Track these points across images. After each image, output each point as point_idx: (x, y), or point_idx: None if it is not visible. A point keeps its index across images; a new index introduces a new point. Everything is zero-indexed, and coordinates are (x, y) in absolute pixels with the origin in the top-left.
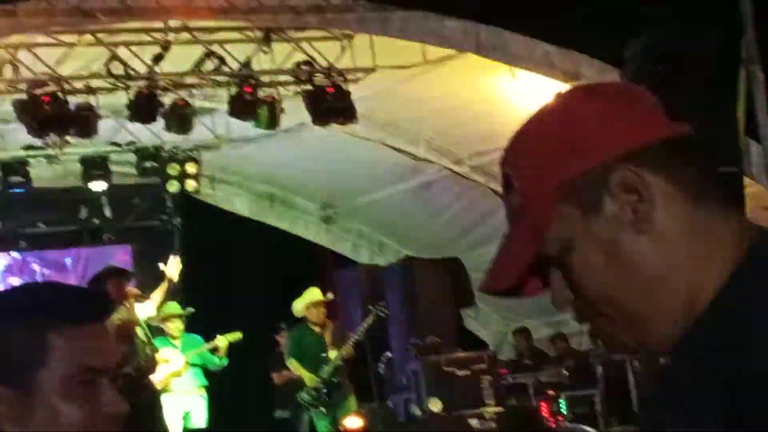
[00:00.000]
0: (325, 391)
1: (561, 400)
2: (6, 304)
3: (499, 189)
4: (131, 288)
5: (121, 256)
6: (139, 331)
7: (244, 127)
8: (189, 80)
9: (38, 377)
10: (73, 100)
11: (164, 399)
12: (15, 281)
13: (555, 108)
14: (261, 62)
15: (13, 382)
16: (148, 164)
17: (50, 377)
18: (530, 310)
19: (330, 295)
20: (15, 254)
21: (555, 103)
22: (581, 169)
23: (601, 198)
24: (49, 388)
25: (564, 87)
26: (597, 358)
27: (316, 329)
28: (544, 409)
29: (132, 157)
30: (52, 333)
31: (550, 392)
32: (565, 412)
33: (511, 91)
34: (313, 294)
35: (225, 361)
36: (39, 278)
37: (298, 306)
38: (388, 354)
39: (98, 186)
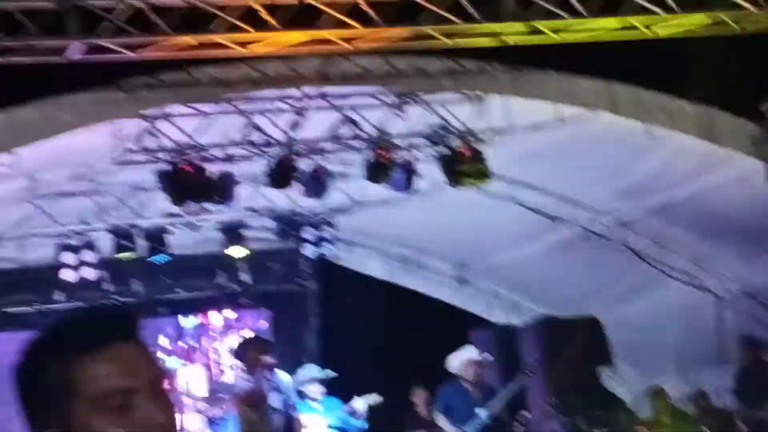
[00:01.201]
0: None
1: None
2: (30, 348)
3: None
4: (267, 357)
5: (258, 321)
6: (275, 399)
7: (379, 190)
8: (325, 145)
9: (73, 412)
10: (212, 168)
11: None
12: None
13: None
14: (395, 126)
15: (52, 426)
16: (284, 229)
17: (83, 408)
18: (669, 368)
19: (487, 356)
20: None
21: None
22: None
23: None
24: (85, 419)
25: (696, 142)
26: (741, 416)
27: (469, 387)
28: None
29: (269, 223)
30: (75, 365)
31: None
32: None
33: (646, 146)
34: (471, 352)
35: (365, 424)
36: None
37: (455, 362)
38: (526, 413)
39: (236, 252)
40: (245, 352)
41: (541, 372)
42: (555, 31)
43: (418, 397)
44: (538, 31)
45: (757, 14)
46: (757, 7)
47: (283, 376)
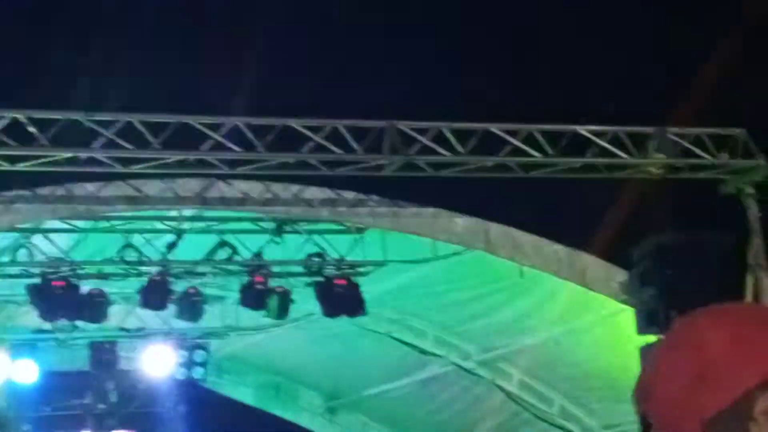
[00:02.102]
0: None
1: None
2: None
3: (506, 385)
4: None
5: None
6: None
7: (253, 316)
8: (201, 269)
9: None
10: (85, 286)
11: None
12: None
13: (681, 341)
14: (273, 253)
15: None
16: (154, 353)
17: None
18: None
19: None
20: None
21: (680, 335)
22: (723, 405)
23: (747, 428)
24: None
25: (572, 287)
26: None
27: None
28: None
29: (140, 343)
30: None
31: None
32: None
33: (520, 288)
34: None
35: None
36: None
37: None
38: None
39: (106, 371)
40: None
41: None
42: (434, 166)
43: None
44: (416, 167)
45: (627, 161)
46: (631, 155)
47: None
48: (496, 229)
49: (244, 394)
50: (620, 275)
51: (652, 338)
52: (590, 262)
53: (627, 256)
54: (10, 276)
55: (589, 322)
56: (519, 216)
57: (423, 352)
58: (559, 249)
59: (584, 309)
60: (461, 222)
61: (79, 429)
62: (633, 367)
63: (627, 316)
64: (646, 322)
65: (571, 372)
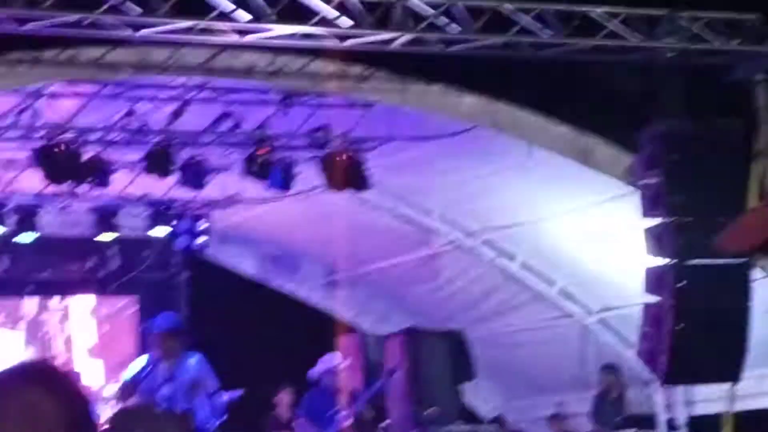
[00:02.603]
0: None
1: None
2: None
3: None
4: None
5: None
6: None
7: (256, 188)
8: (205, 138)
9: None
10: (89, 152)
11: None
12: None
13: None
14: (278, 126)
15: None
16: (158, 218)
17: None
18: (529, 388)
19: (346, 362)
20: None
21: None
22: None
23: None
24: None
25: (578, 169)
26: None
27: (332, 393)
28: None
29: (143, 211)
30: None
31: None
32: None
33: (526, 167)
34: (330, 360)
35: (223, 417)
36: None
37: (319, 368)
38: (387, 423)
39: (107, 237)
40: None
41: (404, 381)
42: (443, 43)
43: (281, 400)
44: (424, 43)
45: (638, 44)
46: (642, 38)
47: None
48: (503, 109)
49: (245, 265)
50: (627, 159)
51: (655, 222)
52: (597, 144)
53: (634, 140)
54: (13, 139)
55: (594, 203)
56: (527, 97)
57: (426, 229)
58: (566, 131)
59: (589, 192)
60: (468, 100)
61: (79, 293)
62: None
63: (632, 200)
64: (651, 207)
65: (573, 254)
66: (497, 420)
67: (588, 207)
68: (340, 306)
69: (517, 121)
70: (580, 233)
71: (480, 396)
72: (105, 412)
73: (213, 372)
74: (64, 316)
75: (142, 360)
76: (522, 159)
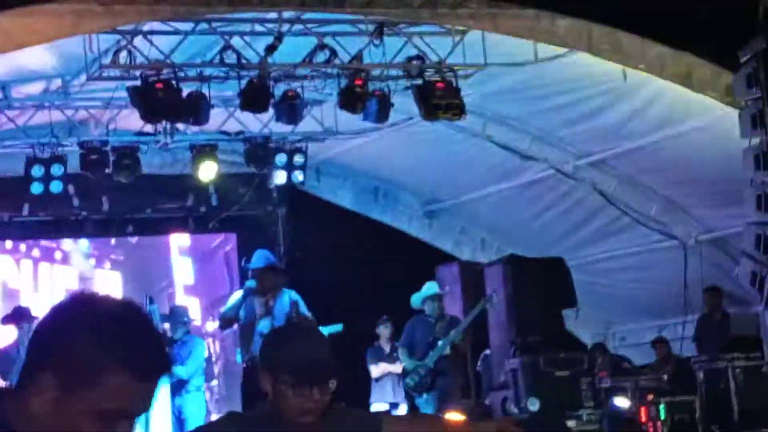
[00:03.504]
0: (430, 378)
1: (660, 406)
2: (88, 328)
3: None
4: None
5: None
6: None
7: (352, 121)
8: (300, 72)
9: (82, 392)
10: (186, 88)
11: None
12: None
13: None
14: (372, 56)
15: (64, 382)
16: (255, 154)
17: (87, 399)
18: (631, 313)
19: (447, 289)
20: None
21: None
22: None
23: None
24: (83, 407)
25: (676, 89)
26: (698, 364)
27: (431, 321)
28: (643, 414)
29: (240, 147)
30: (109, 370)
31: (650, 397)
32: (663, 418)
33: (622, 91)
34: (431, 287)
35: None
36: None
37: (416, 298)
38: (488, 352)
39: (206, 174)
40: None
41: (504, 309)
42: None
43: (382, 331)
44: None
45: None
46: None
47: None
48: (598, 31)
49: (342, 197)
50: (726, 77)
51: (755, 140)
52: (695, 63)
53: (734, 58)
54: (112, 79)
55: (692, 126)
56: (623, 17)
57: (523, 156)
58: (663, 50)
59: (688, 113)
60: (563, 23)
61: (181, 230)
62: (736, 172)
63: (731, 119)
64: (751, 125)
65: (671, 177)
66: (598, 347)
67: (690, 131)
68: (438, 235)
69: (612, 43)
70: (681, 155)
71: (581, 322)
72: (209, 347)
73: (307, 308)
74: (164, 254)
75: (239, 294)
76: (618, 82)
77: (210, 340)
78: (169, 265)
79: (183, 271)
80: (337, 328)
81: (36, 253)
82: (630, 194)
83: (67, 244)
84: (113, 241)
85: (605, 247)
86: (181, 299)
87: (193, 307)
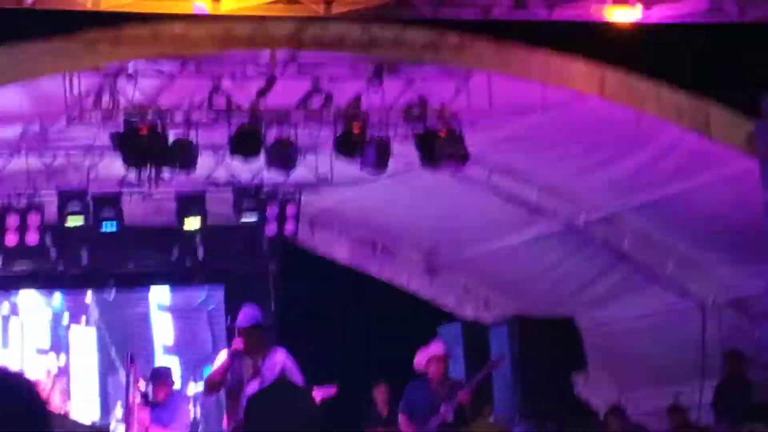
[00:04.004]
0: None
1: None
2: None
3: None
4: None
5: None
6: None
7: (349, 169)
8: (294, 116)
9: None
10: (172, 134)
11: None
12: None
13: None
14: (371, 99)
15: None
16: (245, 204)
17: None
18: (645, 377)
19: (453, 352)
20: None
21: None
22: None
23: None
24: None
25: (694, 139)
26: None
27: (433, 385)
28: None
29: (229, 197)
30: None
31: None
32: None
33: (637, 140)
34: (438, 347)
35: None
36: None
37: (420, 359)
38: (491, 419)
39: (192, 225)
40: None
41: (510, 371)
42: (547, 6)
43: (380, 394)
44: (525, 6)
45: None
46: None
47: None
48: (612, 76)
49: (338, 251)
50: (747, 125)
51: None
52: (714, 110)
53: (755, 104)
54: (94, 123)
55: (711, 178)
56: (637, 60)
57: (530, 208)
58: (680, 96)
59: (706, 164)
60: (575, 66)
61: (165, 283)
62: (757, 227)
63: (753, 170)
64: None
65: (688, 232)
66: (615, 411)
67: (709, 183)
68: (440, 293)
69: (627, 87)
70: (698, 208)
71: (592, 387)
72: (191, 410)
73: (298, 368)
74: (142, 310)
75: (223, 355)
76: (632, 129)
77: (190, 404)
78: (148, 321)
79: (163, 328)
80: (331, 391)
81: (5, 309)
82: (644, 250)
83: (35, 298)
84: (89, 296)
85: (618, 306)
86: (161, 359)
87: (173, 368)
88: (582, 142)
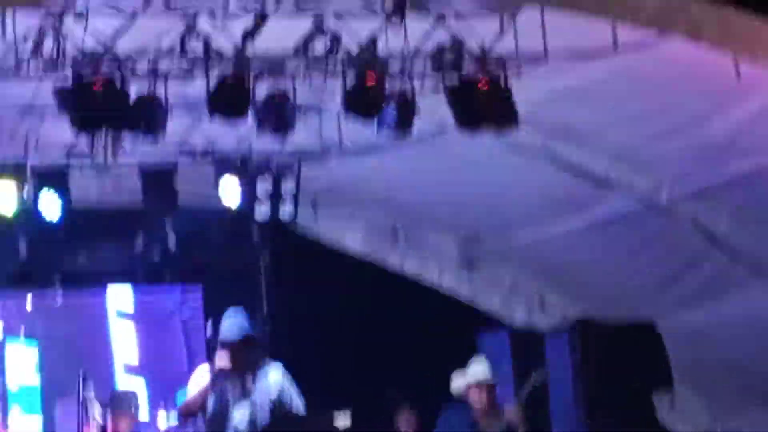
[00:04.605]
0: None
1: None
2: None
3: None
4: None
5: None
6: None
7: (362, 133)
8: (291, 65)
9: None
10: (134, 89)
11: None
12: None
13: None
14: (390, 43)
15: None
16: (229, 180)
17: None
18: (747, 398)
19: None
20: None
21: None
22: None
23: None
24: None
25: None
26: None
27: (477, 415)
28: None
29: (209, 170)
30: None
31: None
32: None
33: (733, 94)
34: (480, 370)
35: None
36: None
37: (459, 383)
38: None
39: (162, 208)
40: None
41: (571, 391)
42: None
43: (406, 422)
44: None
45: None
46: None
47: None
48: (700, 8)
49: (350, 240)
50: None
51: None
52: None
53: None
54: (34, 77)
55: None
56: None
57: (597, 182)
58: None
59: None
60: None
61: (126, 281)
62: None
63: None
64: None
65: None
66: None
67: None
68: (481, 291)
69: (720, 23)
70: None
71: (679, 411)
72: None
73: (299, 389)
74: (98, 318)
75: (203, 372)
76: (728, 80)
77: None
78: (105, 333)
79: (124, 342)
80: (344, 418)
81: None
82: (745, 235)
83: None
84: (29, 303)
85: (713, 307)
86: (122, 380)
87: (138, 392)
88: (663, 97)
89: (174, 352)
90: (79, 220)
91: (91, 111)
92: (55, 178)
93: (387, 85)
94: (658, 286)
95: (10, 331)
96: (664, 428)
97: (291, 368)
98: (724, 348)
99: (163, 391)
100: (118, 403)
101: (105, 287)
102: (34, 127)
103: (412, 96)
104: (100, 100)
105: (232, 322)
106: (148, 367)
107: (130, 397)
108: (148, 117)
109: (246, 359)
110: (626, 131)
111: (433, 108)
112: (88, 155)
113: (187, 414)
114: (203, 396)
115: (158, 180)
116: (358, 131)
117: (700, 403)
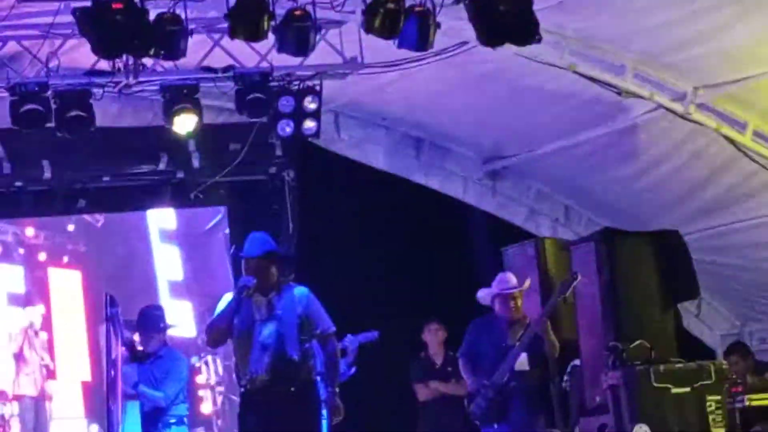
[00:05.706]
0: (501, 401)
1: None
2: None
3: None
4: None
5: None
6: None
7: (384, 49)
8: None
9: None
10: (154, 9)
11: None
12: None
13: None
14: None
15: None
16: (251, 97)
17: None
18: None
19: (528, 283)
20: None
21: None
22: None
23: None
24: None
25: None
26: None
27: (503, 324)
28: None
29: (230, 88)
30: None
31: None
32: None
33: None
34: (507, 280)
35: (352, 369)
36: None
37: (486, 292)
38: (576, 363)
39: (184, 126)
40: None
41: (599, 303)
42: None
43: (431, 338)
44: None
45: None
46: None
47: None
48: None
49: (372, 155)
50: None
51: None
52: None
53: None
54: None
55: None
56: None
57: (620, 90)
58: None
59: None
60: None
61: (151, 204)
62: None
63: None
64: None
65: None
66: (738, 348)
67: None
68: (506, 204)
69: None
70: None
71: (705, 319)
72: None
73: (325, 308)
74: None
75: (230, 296)
76: None
77: (209, 358)
78: (149, 255)
79: (168, 263)
80: (371, 336)
81: None
82: None
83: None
84: (71, 226)
85: (737, 214)
86: (167, 303)
87: (185, 313)
88: (687, 3)
89: (217, 271)
90: (103, 140)
91: (110, 31)
92: (78, 98)
93: (406, 1)
94: (683, 195)
95: (54, 258)
96: (691, 336)
97: (317, 285)
98: (748, 253)
99: (210, 308)
100: (146, 319)
101: (138, 209)
102: (55, 50)
103: (433, 10)
104: (120, 20)
105: (255, 239)
106: (194, 287)
107: (157, 313)
108: (169, 38)
109: (269, 275)
110: (649, 38)
111: (455, 24)
112: (109, 74)
113: (215, 337)
114: (228, 318)
115: (179, 99)
116: (380, 46)
117: (724, 309)
